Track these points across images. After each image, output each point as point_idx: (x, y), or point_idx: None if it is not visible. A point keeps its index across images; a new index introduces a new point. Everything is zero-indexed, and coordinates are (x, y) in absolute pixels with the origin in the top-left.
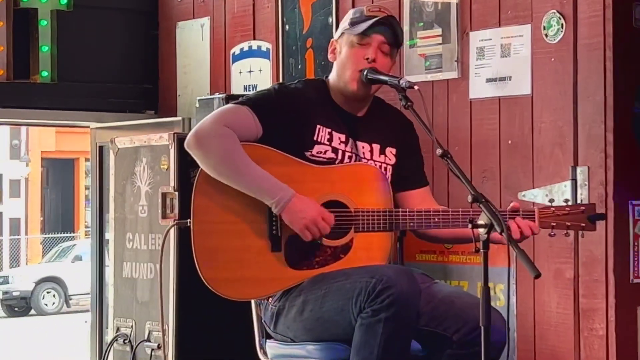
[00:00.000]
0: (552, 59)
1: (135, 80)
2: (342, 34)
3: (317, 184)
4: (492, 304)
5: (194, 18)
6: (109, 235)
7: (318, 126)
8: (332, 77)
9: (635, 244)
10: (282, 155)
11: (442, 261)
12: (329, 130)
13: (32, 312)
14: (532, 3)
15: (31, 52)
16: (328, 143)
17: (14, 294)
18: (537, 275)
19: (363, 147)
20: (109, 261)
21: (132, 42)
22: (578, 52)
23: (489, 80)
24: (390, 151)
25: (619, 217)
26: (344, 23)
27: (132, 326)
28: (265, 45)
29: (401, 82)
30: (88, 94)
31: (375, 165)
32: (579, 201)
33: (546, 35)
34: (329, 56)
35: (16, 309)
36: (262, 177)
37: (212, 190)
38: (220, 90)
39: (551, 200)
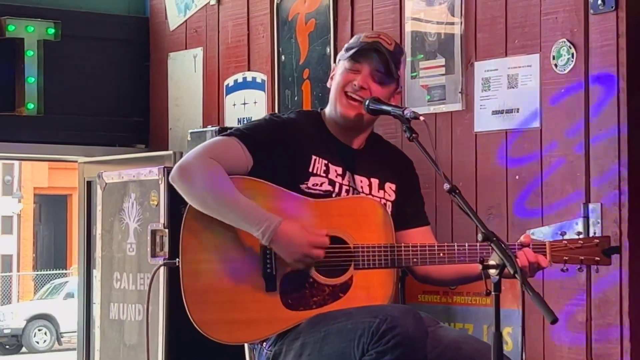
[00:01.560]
0: (562, 90)
1: (126, 113)
2: (339, 60)
3: (313, 219)
4: None
5: (186, 49)
6: (96, 274)
7: (314, 157)
8: (328, 106)
9: None
10: (275, 188)
11: (446, 302)
12: (325, 161)
13: (24, 349)
14: (540, 32)
15: (17, 83)
16: (324, 175)
17: (5, 331)
18: (554, 321)
19: (361, 181)
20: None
21: (122, 74)
22: (590, 82)
23: (495, 112)
24: (390, 187)
25: (634, 256)
26: (343, 49)
27: None
28: (260, 77)
29: (405, 112)
30: (76, 127)
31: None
32: None
33: (556, 66)
34: (328, 82)
35: (7, 346)
36: (248, 206)
37: (201, 228)
38: (214, 123)
39: (563, 233)
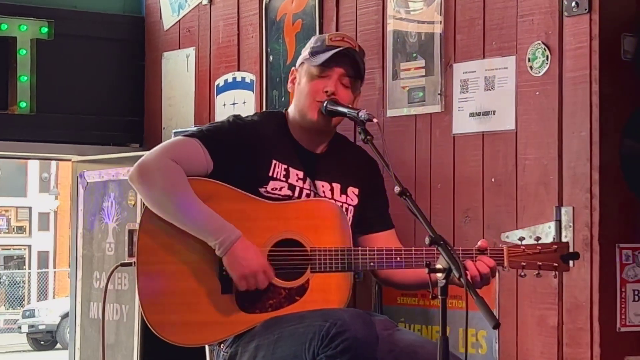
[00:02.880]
0: (537, 93)
1: (120, 112)
2: (302, 63)
3: (271, 222)
4: (475, 351)
5: (179, 48)
6: (78, 273)
7: (274, 161)
8: (291, 109)
9: (623, 289)
10: (233, 191)
11: (424, 305)
12: (285, 166)
13: (58, 345)
14: (517, 33)
15: (9, 82)
16: (284, 179)
17: (40, 327)
18: (496, 326)
19: (323, 186)
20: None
21: (117, 73)
22: (563, 85)
23: (472, 114)
24: (353, 191)
25: (605, 261)
26: (305, 52)
27: None
28: (249, 77)
29: (360, 114)
30: (69, 126)
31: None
32: None
33: (531, 68)
34: (288, 85)
35: (42, 342)
36: (207, 215)
37: (158, 229)
38: (205, 123)
39: (521, 239)
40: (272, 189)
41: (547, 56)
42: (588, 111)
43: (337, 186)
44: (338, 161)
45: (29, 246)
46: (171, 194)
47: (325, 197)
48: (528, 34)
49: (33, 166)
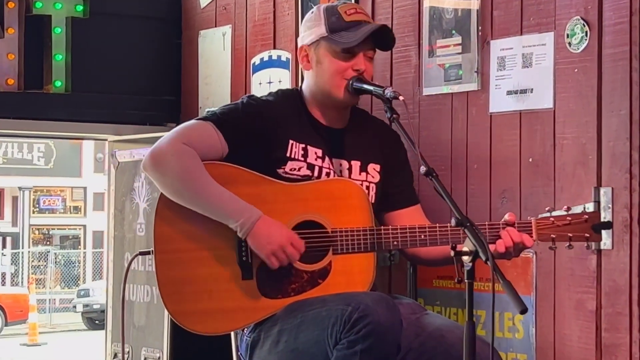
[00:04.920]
0: (576, 70)
1: (157, 91)
2: (318, 41)
3: (290, 204)
4: (511, 335)
5: (216, 26)
6: (110, 255)
7: (291, 141)
8: (309, 87)
9: None
10: (250, 174)
11: (460, 288)
12: (303, 145)
13: None
14: (555, 9)
15: (44, 61)
16: (302, 159)
17: (95, 306)
18: (523, 311)
19: (341, 165)
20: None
21: (153, 52)
22: (603, 62)
23: (509, 92)
24: (374, 168)
25: None
26: (319, 28)
27: (128, 352)
28: (285, 55)
29: (386, 92)
30: (105, 105)
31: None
32: None
33: (569, 44)
34: (302, 65)
35: (97, 321)
36: (226, 197)
37: (174, 216)
38: None
39: (550, 209)
40: (290, 170)
41: (586, 32)
42: (628, 89)
43: (356, 164)
44: (359, 137)
45: (84, 226)
46: (187, 178)
47: (343, 176)
48: (566, 9)
49: (88, 146)
